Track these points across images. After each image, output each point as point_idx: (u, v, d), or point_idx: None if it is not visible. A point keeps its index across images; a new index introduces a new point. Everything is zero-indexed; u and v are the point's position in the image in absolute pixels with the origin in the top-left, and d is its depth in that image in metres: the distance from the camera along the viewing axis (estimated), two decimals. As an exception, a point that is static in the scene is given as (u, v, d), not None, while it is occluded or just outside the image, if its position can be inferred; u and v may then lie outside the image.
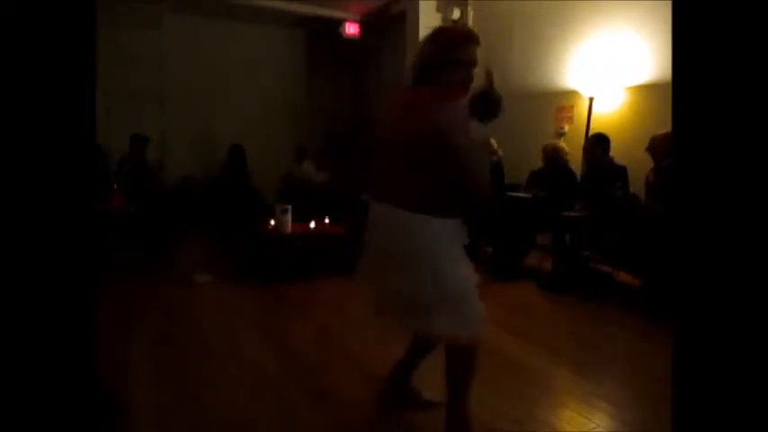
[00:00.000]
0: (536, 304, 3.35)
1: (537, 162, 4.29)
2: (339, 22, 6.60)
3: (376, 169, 1.63)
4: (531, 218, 3.94)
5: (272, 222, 3.90)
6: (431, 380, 1.84)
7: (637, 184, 3.47)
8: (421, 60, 1.55)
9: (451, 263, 1.52)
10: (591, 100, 4.40)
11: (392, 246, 1.54)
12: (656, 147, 3.24)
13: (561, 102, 4.82)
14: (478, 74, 1.51)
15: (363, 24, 6.68)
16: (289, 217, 3.86)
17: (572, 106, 4.72)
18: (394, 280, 1.54)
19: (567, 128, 4.76)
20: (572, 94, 4.70)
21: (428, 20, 6.05)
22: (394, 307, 1.62)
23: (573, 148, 4.26)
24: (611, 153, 3.70)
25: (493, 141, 4.52)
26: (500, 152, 4.55)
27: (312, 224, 4.04)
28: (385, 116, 1.66)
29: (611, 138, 3.72)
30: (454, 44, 1.50)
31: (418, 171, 1.48)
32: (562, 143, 4.28)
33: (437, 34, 1.55)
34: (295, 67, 7.28)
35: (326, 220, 4.23)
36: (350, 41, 6.72)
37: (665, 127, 3.17)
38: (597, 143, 3.72)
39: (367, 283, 1.68)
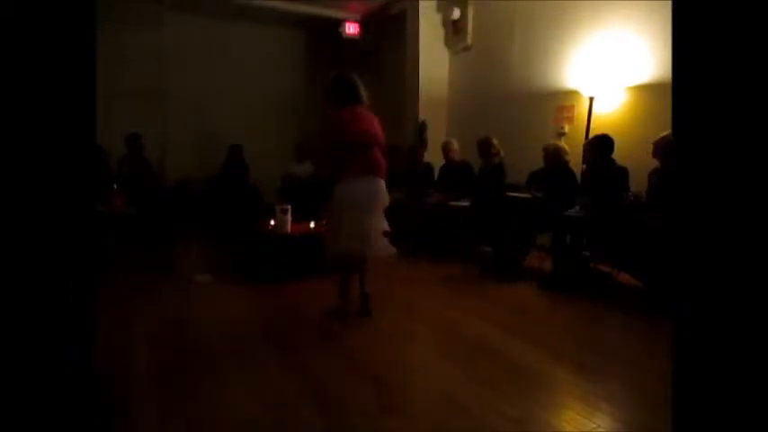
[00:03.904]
0: (536, 304, 3.35)
1: (537, 162, 4.29)
2: (339, 22, 6.60)
3: (359, 156, 2.75)
4: (531, 218, 3.94)
5: (272, 222, 3.90)
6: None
7: (640, 185, 3.46)
8: (346, 90, 2.83)
9: None
10: (591, 100, 4.40)
11: (379, 198, 2.81)
12: (659, 149, 3.24)
13: (561, 102, 4.81)
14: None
15: (363, 24, 6.68)
16: (289, 217, 3.86)
17: (572, 106, 4.71)
18: (377, 220, 2.81)
19: (567, 128, 4.75)
20: (572, 94, 4.69)
21: (428, 20, 6.06)
22: (362, 240, 2.72)
23: (573, 149, 4.25)
24: (612, 154, 3.68)
25: (494, 142, 4.53)
26: (501, 152, 4.55)
27: (312, 224, 4.04)
28: (357, 123, 2.77)
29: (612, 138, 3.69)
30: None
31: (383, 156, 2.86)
32: (563, 143, 4.27)
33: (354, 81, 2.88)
34: (295, 67, 7.28)
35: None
36: (350, 41, 6.73)
37: (666, 127, 3.17)
38: (597, 145, 3.69)
39: (340, 228, 2.74)
